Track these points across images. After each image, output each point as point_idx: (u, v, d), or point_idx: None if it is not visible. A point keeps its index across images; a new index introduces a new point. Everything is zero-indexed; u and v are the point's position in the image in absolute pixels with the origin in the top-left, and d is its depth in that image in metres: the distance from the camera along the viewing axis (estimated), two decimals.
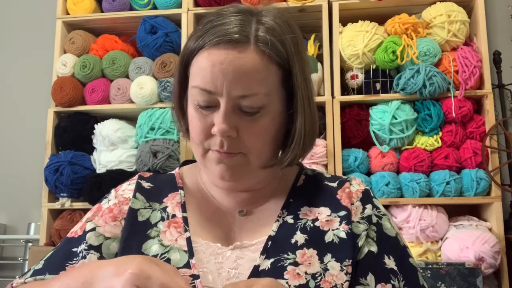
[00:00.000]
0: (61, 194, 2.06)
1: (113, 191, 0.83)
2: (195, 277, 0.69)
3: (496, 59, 2.04)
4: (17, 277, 0.73)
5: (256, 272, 0.69)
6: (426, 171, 1.88)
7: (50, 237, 2.05)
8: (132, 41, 2.24)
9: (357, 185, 0.80)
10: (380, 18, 2.03)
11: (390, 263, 0.73)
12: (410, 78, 1.88)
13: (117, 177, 1.97)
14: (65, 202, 2.07)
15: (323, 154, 1.89)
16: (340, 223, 0.74)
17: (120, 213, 0.78)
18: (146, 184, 0.83)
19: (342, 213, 0.75)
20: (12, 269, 2.33)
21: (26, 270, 2.16)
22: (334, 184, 0.80)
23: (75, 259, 0.74)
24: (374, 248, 0.73)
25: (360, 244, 0.73)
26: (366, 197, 0.78)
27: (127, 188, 0.82)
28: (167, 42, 2.10)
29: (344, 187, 0.79)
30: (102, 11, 2.26)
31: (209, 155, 0.73)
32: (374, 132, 1.93)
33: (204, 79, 0.69)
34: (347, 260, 0.70)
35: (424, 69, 1.86)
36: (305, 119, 0.74)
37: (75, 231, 0.78)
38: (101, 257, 0.73)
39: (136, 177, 0.84)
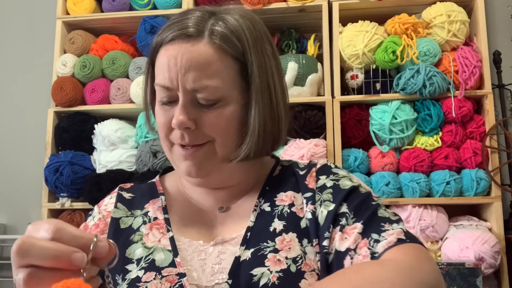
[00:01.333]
0: (61, 194, 2.06)
1: (96, 207, 0.84)
2: (182, 275, 0.70)
3: (496, 59, 2.04)
4: None
5: (237, 264, 0.70)
6: (426, 171, 1.88)
7: None
8: (132, 41, 2.24)
9: (319, 164, 0.80)
10: (380, 18, 2.03)
11: (343, 209, 0.71)
12: (410, 78, 1.88)
13: (117, 177, 1.97)
14: (65, 202, 2.07)
15: (323, 154, 1.89)
16: (307, 204, 0.75)
17: (106, 226, 0.79)
18: (127, 195, 0.84)
19: (308, 194, 0.76)
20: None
21: None
22: (304, 172, 0.80)
23: None
24: (332, 207, 0.72)
25: (316, 213, 0.72)
26: (322, 169, 0.79)
27: (109, 202, 0.83)
28: None
29: (311, 171, 0.79)
30: (102, 11, 2.26)
31: (175, 151, 0.74)
32: (374, 132, 1.93)
33: (163, 75, 0.71)
34: (315, 240, 0.71)
35: (424, 69, 1.86)
36: (260, 111, 0.73)
37: None
38: None
39: (116, 189, 0.86)
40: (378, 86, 1.96)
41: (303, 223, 0.73)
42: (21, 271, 0.46)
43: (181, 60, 0.70)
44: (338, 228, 0.69)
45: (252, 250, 0.71)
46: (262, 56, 0.74)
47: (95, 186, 1.98)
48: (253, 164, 0.81)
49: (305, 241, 0.71)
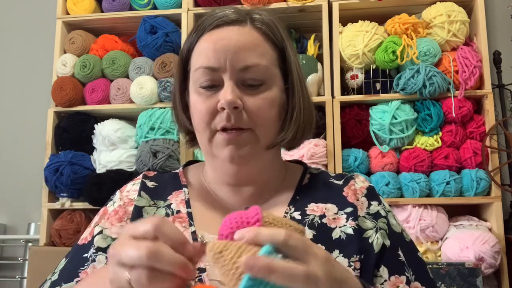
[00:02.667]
0: (61, 194, 2.06)
1: (118, 192, 0.83)
2: (202, 270, 0.69)
3: (496, 59, 2.04)
4: None
5: None
6: (426, 171, 1.88)
7: (50, 237, 2.05)
8: (132, 41, 2.24)
9: (361, 182, 0.81)
10: (380, 18, 2.03)
11: (402, 256, 0.74)
12: (410, 78, 1.88)
13: (117, 177, 1.97)
14: (65, 202, 2.07)
15: (323, 154, 1.89)
16: (347, 219, 0.74)
17: (125, 214, 0.78)
18: (150, 183, 0.83)
19: (349, 209, 0.76)
20: (12, 269, 2.33)
21: (26, 270, 2.17)
22: (340, 182, 0.81)
23: (86, 264, 0.74)
24: (387, 242, 0.74)
25: (371, 239, 0.73)
26: (371, 194, 0.79)
27: (131, 189, 0.82)
28: (167, 42, 2.10)
29: (349, 184, 0.80)
30: (102, 11, 2.26)
31: (217, 139, 0.72)
32: (374, 132, 1.93)
33: (207, 57, 0.72)
34: (354, 256, 0.71)
35: (424, 69, 1.86)
36: (301, 98, 0.76)
37: (85, 237, 0.79)
38: None
39: (140, 176, 0.85)
40: (378, 86, 1.96)
41: (335, 234, 0.73)
42: (138, 271, 0.49)
43: (229, 41, 0.71)
44: (404, 278, 0.71)
45: (279, 256, 0.70)
46: (295, 52, 0.78)
47: (95, 186, 1.98)
48: (282, 163, 0.82)
49: (335, 252, 0.71)
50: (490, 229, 1.85)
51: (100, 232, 0.76)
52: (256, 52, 0.72)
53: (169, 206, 0.78)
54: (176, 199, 0.79)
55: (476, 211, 1.97)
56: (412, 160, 1.88)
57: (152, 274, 0.49)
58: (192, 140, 0.82)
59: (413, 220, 1.83)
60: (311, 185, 0.81)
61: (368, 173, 1.94)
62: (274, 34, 0.75)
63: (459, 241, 1.78)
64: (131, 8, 2.22)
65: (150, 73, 2.11)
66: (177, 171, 0.87)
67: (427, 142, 1.90)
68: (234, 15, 0.74)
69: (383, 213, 0.77)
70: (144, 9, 2.19)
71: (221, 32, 0.73)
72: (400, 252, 0.74)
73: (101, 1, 2.25)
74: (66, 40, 2.22)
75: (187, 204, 0.78)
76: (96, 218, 0.81)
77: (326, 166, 1.90)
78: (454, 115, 1.87)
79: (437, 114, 1.88)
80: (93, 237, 0.77)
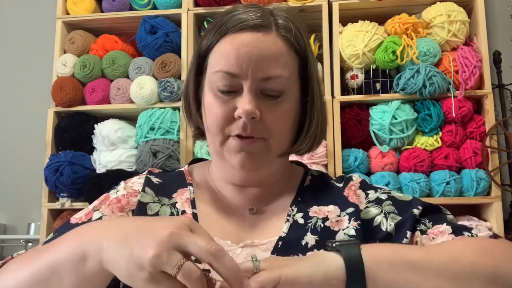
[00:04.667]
0: (61, 194, 2.06)
1: (122, 182, 0.83)
2: (206, 271, 0.68)
3: (496, 59, 2.04)
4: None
5: None
6: (426, 171, 1.88)
7: None
8: (132, 41, 2.24)
9: (355, 178, 0.82)
10: (380, 18, 2.03)
11: (415, 216, 0.73)
12: (410, 78, 1.88)
13: (117, 177, 1.97)
14: (65, 202, 2.07)
15: (323, 154, 1.89)
16: (349, 220, 0.74)
17: (128, 205, 0.77)
18: (155, 180, 0.82)
19: (350, 209, 0.75)
20: None
21: None
22: (340, 184, 0.81)
23: None
24: (399, 218, 0.74)
25: (384, 227, 0.73)
26: (364, 185, 0.80)
27: (136, 181, 0.82)
28: (167, 42, 2.10)
29: (349, 184, 0.80)
30: (102, 11, 2.26)
31: (229, 143, 0.72)
32: (374, 132, 1.93)
33: (228, 62, 0.70)
34: None
35: (424, 69, 1.86)
36: (318, 109, 0.75)
37: (80, 217, 0.78)
38: None
39: (145, 172, 0.85)
40: (378, 86, 1.96)
41: (338, 237, 0.73)
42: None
43: (253, 48, 0.69)
44: (418, 233, 0.71)
45: None
46: (313, 57, 0.77)
47: (95, 186, 1.98)
48: (289, 166, 0.82)
49: None
50: (490, 229, 1.84)
51: (100, 218, 0.76)
52: (279, 63, 0.71)
53: (174, 205, 0.77)
54: (181, 198, 0.79)
55: (476, 211, 1.97)
56: (412, 160, 1.88)
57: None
58: (201, 134, 0.81)
59: None
60: (313, 187, 0.81)
61: (368, 173, 1.94)
62: (298, 42, 0.74)
63: None
64: (131, 8, 2.22)
65: (150, 73, 2.11)
66: (182, 169, 0.86)
67: (427, 142, 1.90)
68: (259, 20, 0.71)
69: (383, 197, 0.77)
70: (144, 9, 2.19)
71: (245, 37, 0.70)
72: (416, 211, 0.73)
73: (101, 1, 2.25)
74: (66, 40, 2.22)
75: (192, 204, 0.78)
76: (95, 202, 0.81)
77: (326, 166, 1.90)
78: (454, 115, 1.87)
79: (437, 114, 1.88)
80: (89, 220, 0.76)
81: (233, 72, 0.70)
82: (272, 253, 0.70)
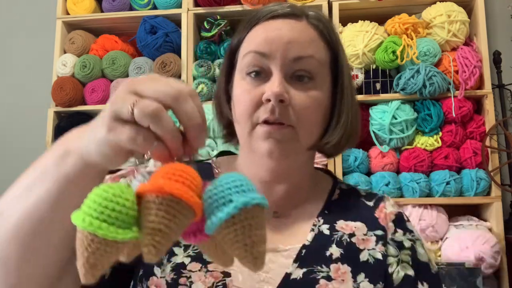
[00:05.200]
0: None
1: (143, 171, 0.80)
2: (227, 274, 0.67)
3: (496, 59, 2.04)
4: None
5: (287, 280, 0.67)
6: (426, 171, 1.88)
7: None
8: (132, 41, 2.24)
9: (390, 206, 0.79)
10: (380, 18, 2.03)
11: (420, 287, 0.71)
12: (410, 78, 1.88)
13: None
14: None
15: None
16: (377, 243, 0.72)
17: None
18: None
19: (379, 232, 0.73)
20: None
21: None
22: (371, 203, 0.78)
23: None
24: (411, 272, 0.71)
25: (391, 269, 0.71)
26: (399, 221, 0.76)
27: None
28: (167, 42, 2.10)
29: (380, 206, 0.77)
30: (102, 11, 2.26)
31: (257, 130, 0.68)
32: (374, 132, 1.93)
33: (257, 43, 0.69)
34: (380, 283, 0.69)
35: (424, 69, 1.86)
36: (352, 103, 0.73)
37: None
38: None
39: None
40: (378, 86, 1.96)
41: (363, 256, 0.70)
42: (134, 130, 0.43)
43: (284, 32, 0.68)
44: None
45: (304, 270, 0.68)
46: (344, 53, 0.75)
47: None
48: (312, 169, 0.80)
49: (361, 276, 0.68)
50: (490, 229, 1.85)
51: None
52: (311, 45, 0.69)
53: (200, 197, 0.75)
54: None
55: (476, 211, 1.97)
56: (412, 160, 1.88)
57: (149, 134, 0.43)
58: (230, 134, 0.79)
59: (413, 220, 1.83)
60: (341, 202, 0.78)
61: (368, 173, 1.94)
62: (330, 35, 0.72)
63: (459, 241, 1.78)
64: (131, 8, 2.22)
65: (150, 73, 2.11)
66: (209, 161, 0.83)
67: (427, 142, 1.90)
68: (290, 9, 0.71)
69: (407, 244, 0.74)
70: (144, 9, 2.19)
71: (276, 23, 0.70)
72: (422, 285, 0.71)
73: (101, 1, 2.25)
74: (66, 40, 2.22)
75: None
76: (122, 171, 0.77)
77: (326, 165, 1.90)
78: (454, 115, 1.87)
79: (437, 114, 1.88)
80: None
81: (262, 51, 0.68)
82: (295, 260, 0.69)
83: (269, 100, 0.66)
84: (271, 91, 0.65)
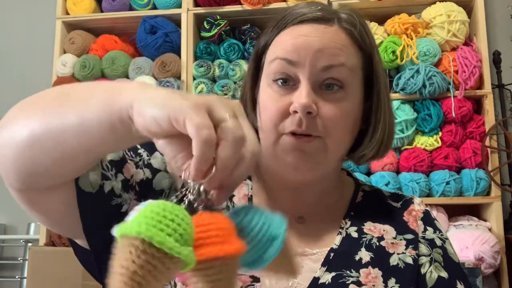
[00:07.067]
0: None
1: None
2: (256, 279, 0.65)
3: (496, 59, 2.04)
4: None
5: (315, 284, 0.65)
6: (426, 171, 1.88)
7: (50, 237, 2.05)
8: (132, 41, 2.24)
9: (417, 205, 0.76)
10: (380, 18, 2.03)
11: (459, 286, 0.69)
12: (410, 78, 1.88)
13: None
14: None
15: None
16: (407, 247, 0.70)
17: None
18: None
19: (409, 236, 0.71)
20: (12, 269, 2.33)
21: (26, 270, 2.17)
22: (398, 205, 0.75)
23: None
24: (444, 274, 0.69)
25: (424, 270, 0.69)
26: (427, 218, 0.74)
27: None
28: (167, 42, 2.10)
29: (409, 209, 0.75)
30: (102, 11, 2.26)
31: (283, 141, 0.65)
32: None
33: (285, 49, 0.65)
34: None
35: (424, 69, 1.86)
36: (389, 111, 0.70)
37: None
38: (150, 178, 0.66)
39: None
40: None
41: (393, 260, 0.68)
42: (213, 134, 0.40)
43: (313, 38, 0.64)
44: None
45: (333, 274, 0.66)
46: (379, 57, 0.71)
47: None
48: (339, 173, 0.76)
49: (392, 281, 0.66)
50: (490, 229, 1.85)
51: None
52: (342, 53, 0.65)
53: (230, 198, 0.72)
54: (238, 192, 0.72)
55: (476, 211, 1.97)
56: (412, 160, 1.88)
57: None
58: None
59: None
60: (366, 205, 0.75)
61: (368, 173, 1.94)
62: (363, 38, 0.68)
63: (459, 241, 1.78)
64: (131, 8, 2.22)
65: (150, 73, 2.11)
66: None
67: (427, 142, 1.90)
68: (320, 13, 0.67)
69: (438, 242, 0.72)
70: (144, 9, 2.19)
71: (305, 28, 0.66)
72: (460, 285, 0.69)
73: (101, 1, 2.25)
74: (66, 40, 2.22)
75: (249, 202, 0.72)
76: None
77: None
78: (454, 115, 1.87)
79: (437, 114, 1.88)
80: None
81: (290, 58, 0.64)
82: (323, 264, 0.66)
83: (296, 112, 0.63)
84: (298, 103, 0.62)
